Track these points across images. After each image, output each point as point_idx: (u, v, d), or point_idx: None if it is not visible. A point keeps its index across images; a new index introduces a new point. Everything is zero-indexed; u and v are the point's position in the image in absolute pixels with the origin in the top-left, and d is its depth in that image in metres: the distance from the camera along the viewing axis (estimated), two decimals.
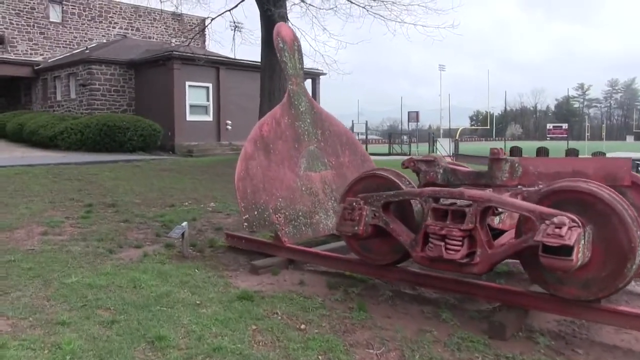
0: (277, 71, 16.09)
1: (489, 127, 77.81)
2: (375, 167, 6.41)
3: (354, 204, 5.75)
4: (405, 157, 7.98)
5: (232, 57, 23.09)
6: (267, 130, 7.24)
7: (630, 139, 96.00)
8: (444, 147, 37.33)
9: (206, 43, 28.64)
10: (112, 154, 17.96)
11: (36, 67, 25.99)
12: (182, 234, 6.96)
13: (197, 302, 5.35)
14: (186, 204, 10.44)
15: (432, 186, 6.27)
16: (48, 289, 5.52)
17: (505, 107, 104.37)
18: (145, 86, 22.44)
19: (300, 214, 7.30)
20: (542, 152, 29.13)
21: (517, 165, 5.88)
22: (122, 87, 22.71)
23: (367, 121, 37.30)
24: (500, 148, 6.13)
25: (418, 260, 5.34)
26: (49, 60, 26.28)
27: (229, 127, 22.53)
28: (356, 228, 5.67)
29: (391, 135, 38.08)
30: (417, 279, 5.81)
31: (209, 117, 22.09)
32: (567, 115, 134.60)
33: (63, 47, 28.16)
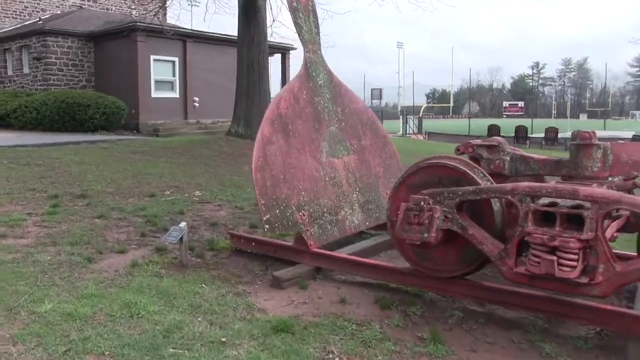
0: (255, 42, 14.58)
1: (451, 104, 77.68)
2: (437, 155, 5.15)
3: (422, 203, 4.50)
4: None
5: (199, 29, 21.27)
6: (285, 107, 5.86)
7: (583, 117, 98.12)
8: (408, 125, 36.36)
9: (167, 16, 26.54)
10: (72, 134, 16.06)
11: None
12: (181, 238, 5.55)
13: (222, 338, 4.01)
14: (167, 192, 8.94)
15: (498, 177, 5.08)
16: (13, 324, 4.05)
17: (470, 85, 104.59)
18: (106, 60, 20.38)
19: (325, 209, 5.99)
20: (493, 129, 28.73)
21: (609, 152, 4.75)
22: (81, 61, 20.55)
23: None
24: (592, 131, 4.94)
25: (510, 276, 4.16)
26: None
27: (197, 105, 20.81)
28: (426, 235, 4.47)
29: None
30: (498, 297, 4.61)
31: (176, 94, 20.29)
32: (522, 93, 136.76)
33: (12, 17, 25.52)
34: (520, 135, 26.37)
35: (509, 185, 4.28)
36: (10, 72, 22.40)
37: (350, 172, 6.59)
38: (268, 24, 15.08)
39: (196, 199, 8.71)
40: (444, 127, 49.33)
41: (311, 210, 5.79)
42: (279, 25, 27.46)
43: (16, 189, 8.37)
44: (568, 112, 67.13)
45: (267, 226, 5.24)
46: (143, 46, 18.86)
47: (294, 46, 24.75)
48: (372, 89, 44.10)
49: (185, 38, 19.97)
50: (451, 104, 78.78)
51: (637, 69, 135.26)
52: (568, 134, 27.85)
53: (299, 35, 6.53)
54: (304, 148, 5.93)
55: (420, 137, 31.96)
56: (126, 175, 9.84)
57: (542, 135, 27.81)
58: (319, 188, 6.00)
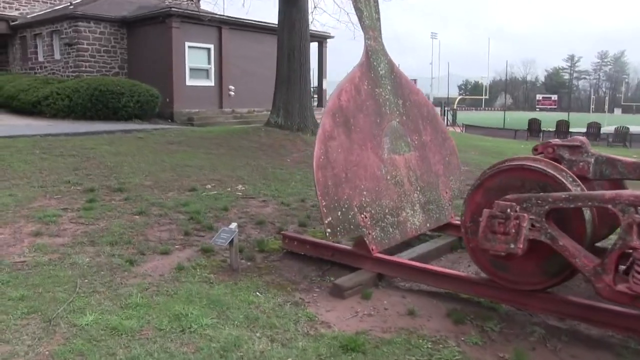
0: (296, 28, 13.98)
1: (486, 96, 76.01)
2: (519, 156, 4.54)
3: (509, 210, 3.93)
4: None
5: (235, 16, 20.77)
6: (346, 99, 5.28)
7: (618, 111, 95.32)
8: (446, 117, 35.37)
9: (203, 1, 26.07)
10: (105, 123, 15.73)
11: (12, 23, 23.19)
12: (231, 241, 5.03)
13: (287, 359, 3.46)
14: (209, 186, 8.46)
15: (582, 180, 4.45)
16: (52, 339, 3.58)
17: (507, 77, 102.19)
18: (139, 47, 20.03)
19: (386, 211, 5.41)
20: (533, 123, 27.53)
21: None
22: (114, 47, 20.22)
23: None
24: None
25: (607, 294, 3.63)
26: (28, 16, 23.54)
27: (232, 93, 20.34)
28: (512, 246, 3.94)
29: None
30: (587, 314, 4.10)
31: (211, 82, 19.84)
32: (556, 87, 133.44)
33: (42, 1, 25.36)
34: (562, 130, 25.29)
35: (609, 193, 3.69)
36: (41, 58, 22.20)
37: (411, 170, 6.00)
38: (309, 10, 14.43)
39: (239, 193, 8.21)
40: (478, 120, 48.07)
41: (373, 211, 5.22)
42: (320, 13, 26.70)
43: (50, 182, 7.97)
44: (606, 106, 64.93)
45: (328, 230, 4.68)
46: (178, 32, 18.44)
47: (331, 34, 24.12)
48: None
49: (220, 25, 19.48)
50: (485, 96, 77.10)
51: None
52: (611, 129, 26.65)
53: (360, 20, 5.93)
54: (366, 144, 5.35)
55: (458, 129, 31.02)
56: (164, 168, 9.39)
57: (583, 130, 26.68)
58: (381, 188, 5.42)
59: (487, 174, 4.43)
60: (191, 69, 19.10)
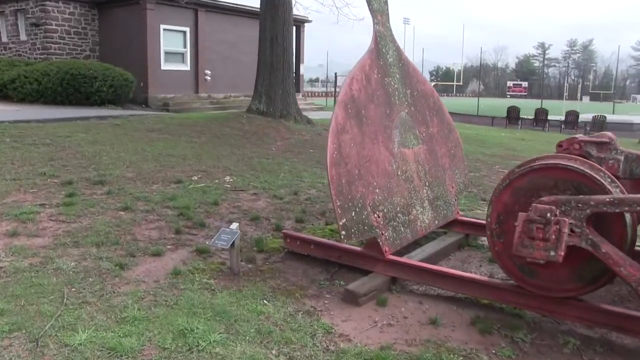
0: (279, 12, 13.46)
1: (456, 82, 76.21)
2: (549, 154, 4.23)
3: (549, 214, 3.61)
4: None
5: None
6: (358, 88, 4.87)
7: (586, 99, 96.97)
8: None
9: None
10: (77, 108, 14.95)
11: None
12: (232, 243, 4.60)
13: None
14: (195, 178, 7.97)
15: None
16: None
17: (481, 63, 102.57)
18: (111, 29, 19.14)
19: (398, 209, 5.05)
20: (512, 110, 27.59)
21: None
22: (84, 29, 19.28)
23: None
24: None
25: None
26: None
27: (208, 78, 19.69)
28: (552, 253, 3.62)
29: None
30: (624, 323, 3.88)
31: (186, 67, 19.14)
32: (527, 74, 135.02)
33: None
34: (541, 117, 25.31)
35: None
36: (4, 39, 21.03)
37: (420, 165, 5.64)
38: None
39: (228, 185, 7.74)
40: (452, 106, 48.00)
41: (385, 210, 4.85)
42: None
43: (24, 174, 7.37)
44: (579, 94, 65.71)
45: (343, 232, 4.29)
46: (153, 14, 17.67)
47: (309, 19, 23.58)
48: None
49: (197, 7, 18.75)
50: (458, 83, 77.32)
51: None
52: (588, 117, 26.80)
53: (368, 5, 5.51)
54: (377, 137, 4.96)
55: None
56: (146, 158, 8.85)
57: (561, 117, 26.78)
58: (392, 184, 5.05)
59: (516, 173, 4.10)
60: (166, 53, 18.38)
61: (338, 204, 4.27)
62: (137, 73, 17.19)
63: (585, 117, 26.35)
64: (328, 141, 4.33)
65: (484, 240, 6.07)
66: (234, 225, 4.70)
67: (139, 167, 8.17)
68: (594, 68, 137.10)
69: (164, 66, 18.29)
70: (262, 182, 8.08)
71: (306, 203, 7.23)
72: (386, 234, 4.78)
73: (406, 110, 5.59)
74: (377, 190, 4.79)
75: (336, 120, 4.44)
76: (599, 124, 24.24)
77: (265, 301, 4.22)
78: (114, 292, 4.13)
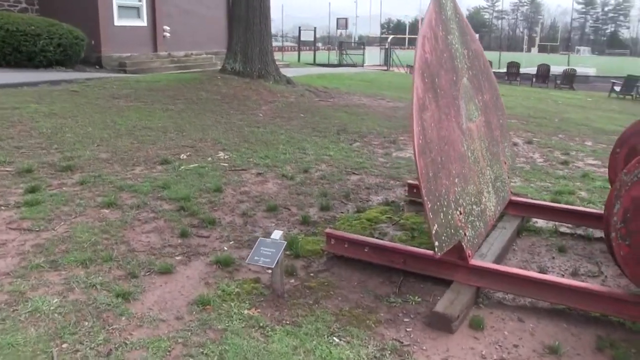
0: None
1: (414, 35, 74.87)
2: None
3: None
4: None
5: None
6: (429, 50, 3.66)
7: (534, 51, 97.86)
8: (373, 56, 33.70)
9: None
10: (20, 71, 12.96)
11: None
12: (277, 261, 3.42)
13: None
14: (183, 156, 6.65)
15: None
16: None
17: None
18: None
19: (472, 199, 3.98)
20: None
21: None
22: None
23: (315, 28, 32.53)
24: None
25: None
26: None
27: (167, 35, 17.82)
28: None
29: (342, 44, 34.00)
30: None
31: (143, 22, 17.18)
32: (477, 26, 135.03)
33: None
34: (512, 72, 24.53)
35: None
36: None
37: (482, 141, 4.56)
38: None
39: (225, 164, 6.47)
40: (410, 60, 47.05)
41: (464, 204, 3.76)
42: None
43: None
44: (537, 47, 65.71)
45: (437, 243, 3.17)
46: None
47: None
48: (337, 19, 41.00)
49: None
50: (414, 35, 76.07)
51: (583, 5, 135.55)
52: (559, 70, 26.16)
53: None
54: (450, 112, 3.80)
55: (402, 70, 29.67)
56: (119, 132, 7.41)
57: (533, 70, 26.09)
58: (466, 169, 3.94)
59: None
60: (120, 7, 16.37)
61: (429, 206, 3.13)
62: (87, 30, 15.21)
63: (555, 70, 25.71)
64: (412, 122, 3.14)
65: (536, 221, 5.18)
66: (277, 234, 3.50)
67: (112, 145, 6.75)
68: (541, 21, 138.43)
69: (118, 22, 16.32)
70: (263, 158, 6.83)
71: (322, 183, 6.07)
72: (468, 234, 3.70)
73: (467, 76, 4.44)
74: (457, 180, 3.68)
75: (417, 94, 3.25)
76: (569, 77, 23.68)
77: (335, 338, 3.10)
78: (125, 345, 2.91)
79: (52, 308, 3.20)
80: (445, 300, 3.46)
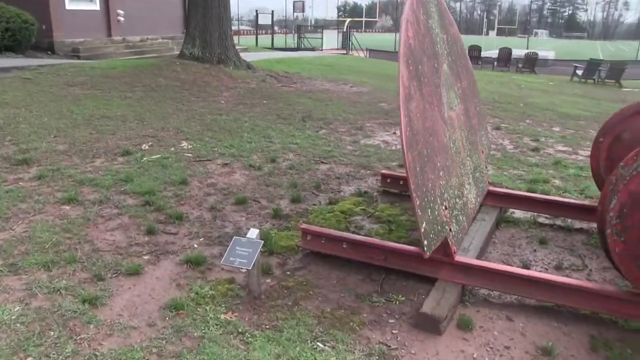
0: None
1: (377, 18, 75.02)
2: None
3: None
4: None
5: None
6: (412, 35, 3.50)
7: (492, 34, 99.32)
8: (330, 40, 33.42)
9: None
10: None
11: None
12: (254, 261, 3.24)
13: None
14: (145, 147, 6.35)
15: None
16: None
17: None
18: None
19: (455, 192, 3.88)
20: None
21: None
22: None
23: (272, 11, 31.81)
24: None
25: None
26: None
27: (121, 19, 17.16)
28: None
29: (300, 27, 33.48)
30: None
31: (95, 6, 16.45)
32: None
33: None
34: (474, 54, 24.69)
35: None
36: None
37: (462, 130, 4.46)
38: None
39: (189, 155, 6.21)
40: (372, 43, 47.07)
41: (448, 197, 3.65)
42: None
43: None
44: (495, 30, 66.64)
45: (425, 242, 3.05)
46: None
47: None
48: (294, 2, 40.41)
49: None
50: (372, 19, 76.21)
51: None
52: (520, 53, 26.53)
53: None
54: (433, 101, 3.67)
55: (362, 53, 29.49)
56: (76, 122, 7.02)
57: (494, 53, 26.35)
58: (449, 161, 3.83)
59: None
60: None
61: (417, 202, 3.00)
62: (37, 14, 14.44)
63: (516, 53, 26.02)
64: (400, 114, 2.99)
65: (513, 212, 5.13)
66: (253, 233, 3.31)
67: (70, 136, 6.39)
68: (499, 3, 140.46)
69: (69, 5, 15.58)
70: (228, 147, 6.59)
71: (291, 173, 5.89)
72: (453, 230, 3.60)
73: (447, 62, 4.32)
74: (441, 173, 3.56)
75: (403, 83, 3.10)
76: (531, 61, 24.01)
77: (319, 343, 2.96)
78: (95, 357, 2.69)
79: (13, 317, 2.95)
80: (431, 300, 3.35)
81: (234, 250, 3.26)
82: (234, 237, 3.34)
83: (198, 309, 3.17)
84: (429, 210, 3.18)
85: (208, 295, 3.33)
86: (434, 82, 3.79)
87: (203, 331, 2.96)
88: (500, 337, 3.20)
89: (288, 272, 3.77)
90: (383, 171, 5.58)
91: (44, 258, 3.58)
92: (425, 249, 3.05)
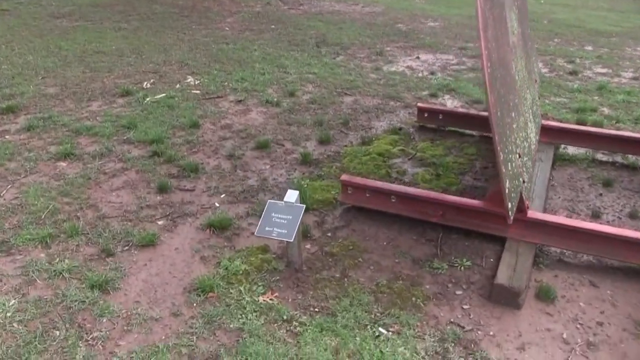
0: None
1: None
2: None
3: None
4: None
5: None
6: None
7: None
8: None
9: None
10: None
11: None
12: (296, 232, 2.66)
13: None
14: (147, 84, 5.65)
15: None
16: None
17: None
18: None
19: (523, 135, 3.25)
20: None
21: None
22: None
23: None
24: None
25: None
26: None
27: None
28: None
29: None
30: None
31: None
32: None
33: None
34: None
35: None
36: None
37: (521, 58, 3.74)
38: None
39: (196, 91, 5.52)
40: None
41: (519, 142, 3.02)
42: None
43: None
44: None
45: (509, 205, 2.46)
46: None
47: None
48: None
49: None
50: None
51: None
52: None
53: None
54: (501, 27, 2.96)
55: None
56: (66, 60, 6.27)
57: None
58: (517, 97, 3.17)
59: None
60: None
61: (502, 157, 2.38)
62: None
63: None
64: (480, 44, 2.31)
65: (565, 147, 4.48)
66: (292, 195, 2.71)
67: (61, 77, 5.67)
68: None
69: None
70: (239, 81, 5.89)
71: (313, 108, 5.23)
72: (525, 180, 3.00)
73: None
74: (513, 114, 2.92)
75: (481, 7, 2.38)
76: None
77: (381, 329, 2.44)
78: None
79: (9, 314, 2.42)
80: (505, 266, 2.80)
81: (269, 218, 2.67)
82: (268, 202, 2.75)
83: (231, 291, 2.63)
84: (509, 163, 2.57)
85: (240, 271, 2.78)
86: (500, 3, 3.06)
87: (241, 321, 2.43)
88: (588, 309, 2.68)
89: (329, 234, 3.21)
90: (419, 104, 4.91)
91: (41, 232, 3.01)
92: (510, 213, 2.46)
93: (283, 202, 2.70)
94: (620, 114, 5.23)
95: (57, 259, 2.81)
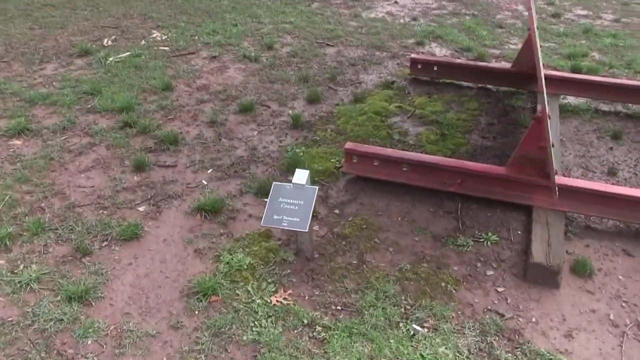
0: None
1: None
2: None
3: None
4: None
5: None
6: None
7: None
8: None
9: None
10: None
11: None
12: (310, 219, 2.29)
13: None
14: (108, 42, 5.06)
15: None
16: None
17: None
18: None
19: (542, 74, 2.88)
20: None
21: None
22: None
23: None
24: None
25: None
26: None
27: None
28: None
29: None
30: None
31: None
32: None
33: None
34: None
35: None
36: None
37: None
38: None
39: (165, 48, 4.96)
40: None
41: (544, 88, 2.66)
42: None
43: None
44: None
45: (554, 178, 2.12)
46: None
47: None
48: None
49: None
50: None
51: None
52: None
53: None
54: None
55: None
56: (8, 15, 5.55)
57: None
58: (535, 44, 2.78)
59: None
60: None
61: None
62: None
63: None
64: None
65: (564, 97, 4.14)
66: (302, 176, 2.32)
67: (3, 35, 5.01)
68: None
69: None
70: (211, 34, 5.33)
71: (295, 62, 4.77)
72: (554, 142, 2.67)
73: None
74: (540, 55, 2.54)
75: None
76: None
77: (415, 326, 2.13)
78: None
79: None
80: (539, 241, 2.51)
81: (276, 204, 2.29)
82: (274, 184, 2.36)
83: (237, 292, 2.27)
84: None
85: (245, 266, 2.41)
86: None
87: (255, 330, 2.08)
88: (629, 283, 2.44)
89: (336, 211, 2.85)
90: (413, 55, 4.49)
91: (4, 231, 2.55)
92: (554, 188, 2.13)
93: (291, 185, 2.31)
94: (611, 59, 4.92)
95: (22, 266, 2.38)
